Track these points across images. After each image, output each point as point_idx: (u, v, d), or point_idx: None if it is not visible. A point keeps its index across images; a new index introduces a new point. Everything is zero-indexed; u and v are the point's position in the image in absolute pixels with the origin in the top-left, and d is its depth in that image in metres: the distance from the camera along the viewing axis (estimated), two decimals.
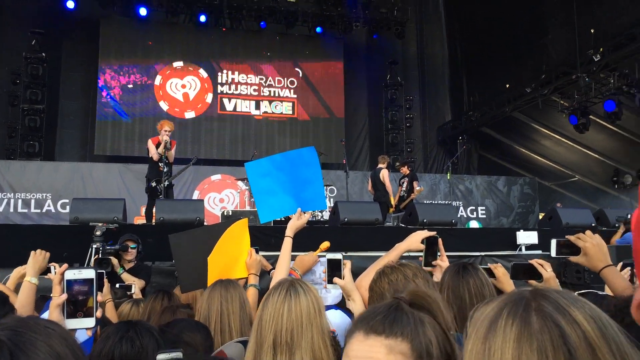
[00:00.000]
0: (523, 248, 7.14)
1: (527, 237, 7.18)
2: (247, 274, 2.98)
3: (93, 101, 14.69)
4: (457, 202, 13.94)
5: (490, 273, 2.35)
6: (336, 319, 2.45)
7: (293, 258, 2.71)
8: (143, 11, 14.70)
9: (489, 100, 15.16)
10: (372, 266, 2.22)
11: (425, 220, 7.23)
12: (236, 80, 15.85)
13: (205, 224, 6.80)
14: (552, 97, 12.98)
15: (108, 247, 4.53)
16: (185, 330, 2.03)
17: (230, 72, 15.81)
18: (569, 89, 12.47)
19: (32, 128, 13.38)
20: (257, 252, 3.07)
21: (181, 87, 15.32)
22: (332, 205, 8.67)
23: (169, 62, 15.32)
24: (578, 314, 0.70)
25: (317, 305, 1.73)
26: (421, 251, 2.32)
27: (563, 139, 14.63)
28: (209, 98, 15.50)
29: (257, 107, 15.92)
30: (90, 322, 1.48)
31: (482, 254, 6.69)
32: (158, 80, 15.12)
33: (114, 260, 4.39)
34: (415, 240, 2.32)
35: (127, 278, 4.32)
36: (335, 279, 2.15)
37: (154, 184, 7.71)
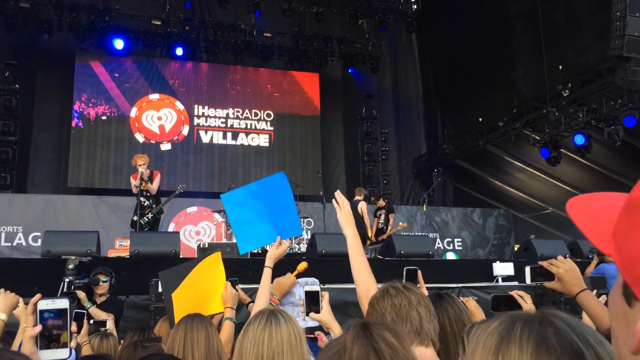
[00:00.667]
0: (500, 279, 7.19)
1: (503, 269, 7.25)
2: (223, 307, 2.93)
3: (67, 133, 14.53)
4: (434, 234, 14.02)
5: None
6: None
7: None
8: (119, 44, 14.71)
9: (462, 133, 15.44)
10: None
11: (402, 252, 7.25)
12: (213, 113, 15.87)
13: (180, 256, 6.71)
14: (524, 131, 13.27)
15: (76, 281, 4.41)
16: None
17: (207, 105, 15.84)
18: (540, 122, 12.77)
19: (3, 160, 13.13)
20: (235, 284, 3.03)
21: (157, 119, 15.27)
22: (309, 237, 8.64)
23: (145, 94, 15.30)
24: (589, 337, 0.71)
25: (297, 334, 1.73)
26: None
27: (536, 172, 14.92)
28: (185, 130, 15.46)
29: (234, 138, 15.94)
30: (64, 353, 1.44)
31: (460, 285, 6.72)
32: (134, 112, 15.05)
33: (81, 295, 4.27)
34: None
35: (95, 313, 4.20)
36: (312, 314, 2.14)
37: (135, 218, 7.65)
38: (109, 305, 4.59)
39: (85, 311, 3.44)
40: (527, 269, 2.14)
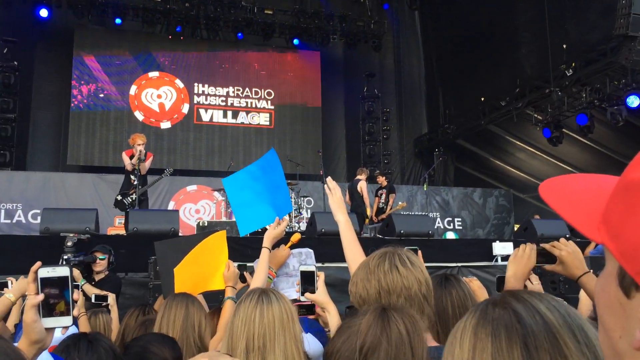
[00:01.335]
0: (499, 259, 7.19)
1: (503, 248, 7.24)
2: (224, 286, 2.92)
3: (66, 111, 14.45)
4: (434, 214, 14.02)
5: None
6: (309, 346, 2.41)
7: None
8: (118, 20, 14.56)
9: (464, 113, 15.34)
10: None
11: (402, 232, 7.23)
12: (213, 91, 15.76)
13: (180, 234, 6.70)
14: (526, 111, 13.18)
15: (73, 258, 4.40)
16: (152, 342, 1.97)
17: (207, 83, 15.72)
18: (542, 102, 12.68)
19: (2, 137, 13.09)
20: (243, 270, 3.03)
21: (157, 97, 15.17)
22: (309, 216, 8.63)
23: (145, 72, 15.18)
24: (541, 305, 0.69)
25: (290, 312, 1.70)
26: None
27: (537, 152, 14.85)
28: (185, 108, 15.37)
29: (235, 117, 15.85)
30: (67, 320, 1.43)
31: (459, 264, 6.71)
32: (133, 90, 14.95)
33: (75, 272, 4.27)
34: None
35: (88, 289, 4.18)
36: (307, 294, 2.13)
37: (119, 198, 7.64)
38: (106, 283, 4.58)
39: (79, 286, 3.43)
40: None
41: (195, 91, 15.57)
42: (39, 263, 1.45)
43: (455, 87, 16.19)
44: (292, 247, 2.90)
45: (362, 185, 9.98)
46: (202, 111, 15.56)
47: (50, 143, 14.67)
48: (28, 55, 14.21)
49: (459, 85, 15.90)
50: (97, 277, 4.66)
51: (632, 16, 9.31)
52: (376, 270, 1.54)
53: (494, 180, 16.33)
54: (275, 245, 2.73)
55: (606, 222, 0.58)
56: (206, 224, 8.19)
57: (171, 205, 12.15)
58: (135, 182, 7.60)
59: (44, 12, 14.10)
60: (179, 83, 15.43)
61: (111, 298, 3.74)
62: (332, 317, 2.01)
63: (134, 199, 7.61)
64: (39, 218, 8.92)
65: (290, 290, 2.52)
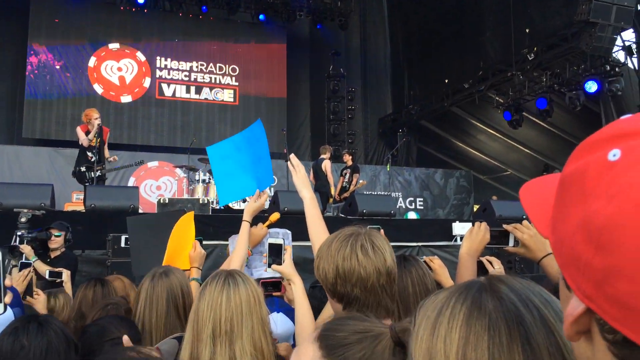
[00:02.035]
0: (459, 239, 7.32)
1: (462, 228, 7.37)
2: (190, 266, 2.88)
3: (21, 82, 13.89)
4: (397, 193, 14.16)
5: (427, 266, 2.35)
6: (277, 326, 2.40)
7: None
8: None
9: (428, 95, 15.45)
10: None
11: (364, 211, 7.29)
12: (176, 66, 15.41)
13: (140, 211, 6.58)
14: (488, 94, 13.38)
15: (26, 235, 4.27)
16: (110, 325, 1.92)
17: (170, 57, 15.35)
18: (504, 86, 12.88)
19: None
20: (200, 243, 2.99)
21: (117, 70, 14.73)
22: (272, 194, 8.60)
23: (104, 44, 14.70)
24: (534, 298, 0.68)
25: (256, 295, 1.68)
26: None
27: (498, 134, 15.13)
28: (147, 82, 15.00)
29: (198, 93, 15.56)
30: None
31: (420, 244, 6.82)
32: (92, 61, 14.48)
33: (25, 249, 4.15)
34: None
35: (40, 267, 4.07)
36: (274, 266, 2.13)
37: (83, 169, 7.44)
38: (61, 260, 4.45)
39: (31, 264, 3.33)
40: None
41: (158, 65, 15.19)
42: None
43: (421, 69, 16.27)
44: (270, 226, 2.89)
45: (327, 165, 9.97)
46: (164, 86, 15.22)
47: (4, 115, 14.10)
48: None
49: (424, 66, 15.98)
50: (53, 254, 4.54)
51: (594, 3, 9.49)
52: (336, 255, 1.50)
53: (455, 162, 16.58)
54: (253, 222, 2.70)
55: (552, 217, 0.60)
56: (167, 201, 8.06)
57: (132, 182, 11.90)
58: (94, 159, 7.40)
59: None
60: (140, 56, 15.01)
61: (65, 274, 3.66)
62: (298, 288, 2.00)
63: (98, 176, 7.43)
64: None
65: (264, 268, 2.51)
